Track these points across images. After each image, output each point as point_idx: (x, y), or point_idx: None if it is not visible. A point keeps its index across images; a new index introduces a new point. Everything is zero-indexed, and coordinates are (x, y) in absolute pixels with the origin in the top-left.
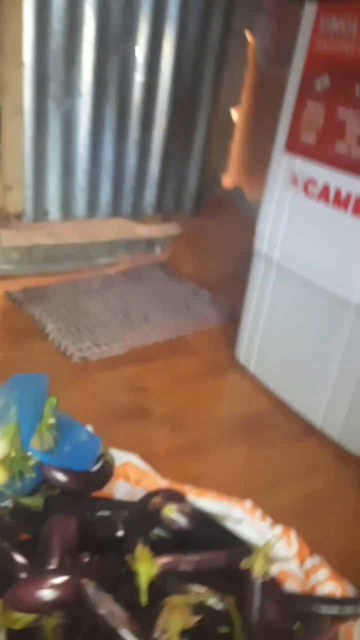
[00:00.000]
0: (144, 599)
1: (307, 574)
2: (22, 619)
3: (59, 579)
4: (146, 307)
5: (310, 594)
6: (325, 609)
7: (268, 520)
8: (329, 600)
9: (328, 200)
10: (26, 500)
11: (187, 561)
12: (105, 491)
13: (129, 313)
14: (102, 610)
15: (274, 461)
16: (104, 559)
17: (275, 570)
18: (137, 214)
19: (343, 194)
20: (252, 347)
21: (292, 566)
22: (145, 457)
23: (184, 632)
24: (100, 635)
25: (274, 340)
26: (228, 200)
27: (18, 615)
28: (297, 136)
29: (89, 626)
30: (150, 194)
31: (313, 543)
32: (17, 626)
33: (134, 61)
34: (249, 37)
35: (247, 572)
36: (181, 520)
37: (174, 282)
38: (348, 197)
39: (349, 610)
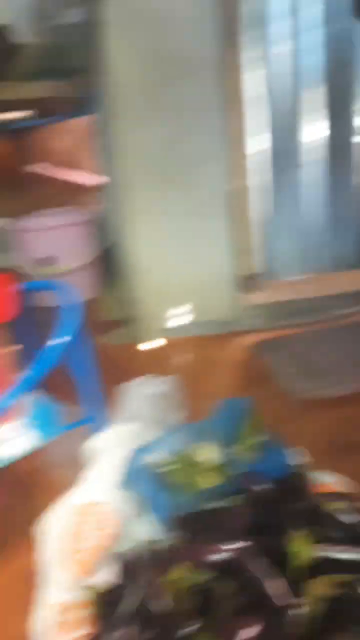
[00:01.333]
0: (296, 573)
1: None
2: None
3: (229, 544)
4: None
5: None
6: None
7: None
8: None
9: None
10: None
11: (344, 550)
12: None
13: None
14: (259, 575)
15: None
16: (269, 538)
17: None
18: None
19: None
20: None
21: None
22: None
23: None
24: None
25: None
26: None
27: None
28: None
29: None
30: None
31: None
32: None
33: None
34: None
35: None
36: (346, 516)
37: None
38: None
39: None
